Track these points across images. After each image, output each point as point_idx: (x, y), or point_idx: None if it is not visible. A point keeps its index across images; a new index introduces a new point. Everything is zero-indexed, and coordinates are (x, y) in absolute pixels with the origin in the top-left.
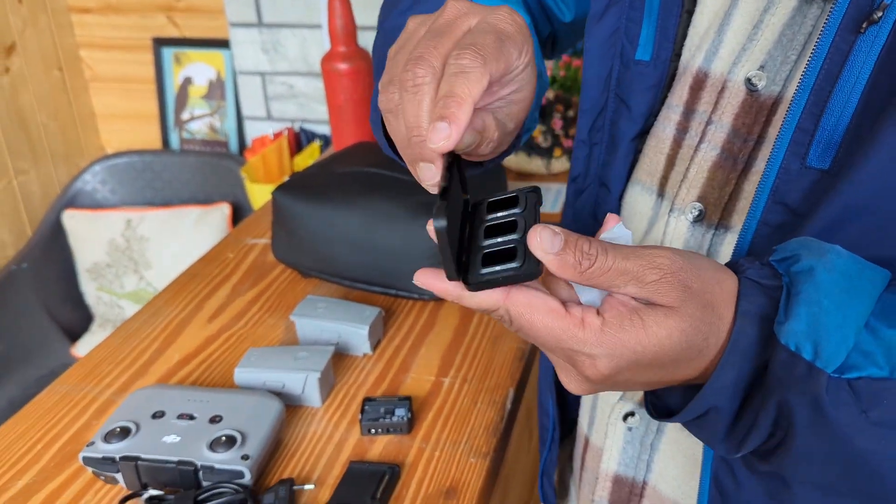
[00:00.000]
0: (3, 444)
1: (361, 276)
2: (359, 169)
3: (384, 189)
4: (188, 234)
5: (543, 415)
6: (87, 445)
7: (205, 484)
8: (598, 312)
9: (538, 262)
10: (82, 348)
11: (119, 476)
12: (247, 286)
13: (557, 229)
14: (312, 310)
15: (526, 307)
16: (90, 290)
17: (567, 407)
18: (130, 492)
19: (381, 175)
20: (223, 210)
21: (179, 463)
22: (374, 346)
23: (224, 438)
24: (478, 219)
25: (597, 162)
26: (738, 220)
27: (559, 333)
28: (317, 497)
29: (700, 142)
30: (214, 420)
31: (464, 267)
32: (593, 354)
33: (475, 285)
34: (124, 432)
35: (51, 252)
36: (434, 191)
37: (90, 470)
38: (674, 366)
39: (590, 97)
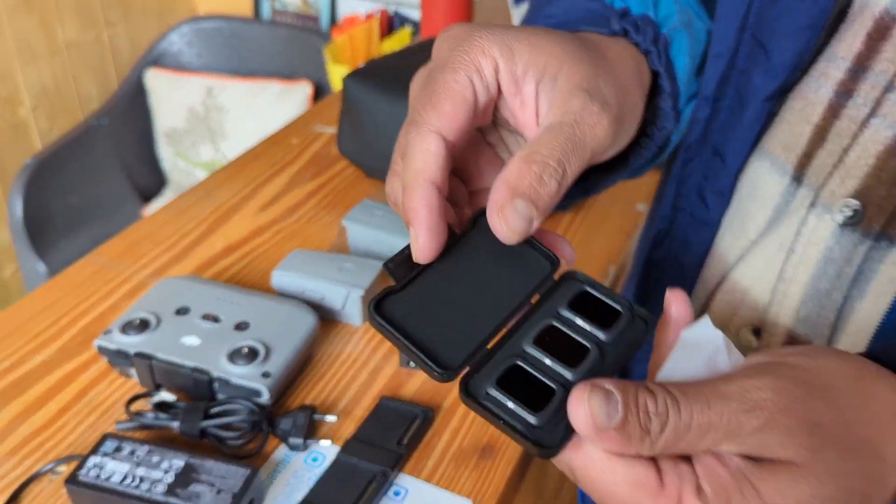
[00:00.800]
0: (29, 314)
1: None
2: None
3: None
4: (267, 109)
5: None
6: (104, 333)
7: (219, 397)
8: (698, 489)
9: (563, 440)
10: (154, 210)
11: (133, 371)
12: (306, 177)
13: (610, 386)
14: (368, 216)
15: (602, 472)
16: (167, 155)
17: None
18: (142, 391)
19: None
20: (305, 89)
21: (195, 370)
22: None
23: (246, 350)
24: (547, 306)
25: (715, 124)
26: None
27: None
28: (338, 430)
29: (871, 115)
30: (240, 327)
31: (479, 358)
32: None
33: (470, 400)
34: (143, 325)
35: (132, 111)
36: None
37: (105, 359)
38: None
39: (723, 38)
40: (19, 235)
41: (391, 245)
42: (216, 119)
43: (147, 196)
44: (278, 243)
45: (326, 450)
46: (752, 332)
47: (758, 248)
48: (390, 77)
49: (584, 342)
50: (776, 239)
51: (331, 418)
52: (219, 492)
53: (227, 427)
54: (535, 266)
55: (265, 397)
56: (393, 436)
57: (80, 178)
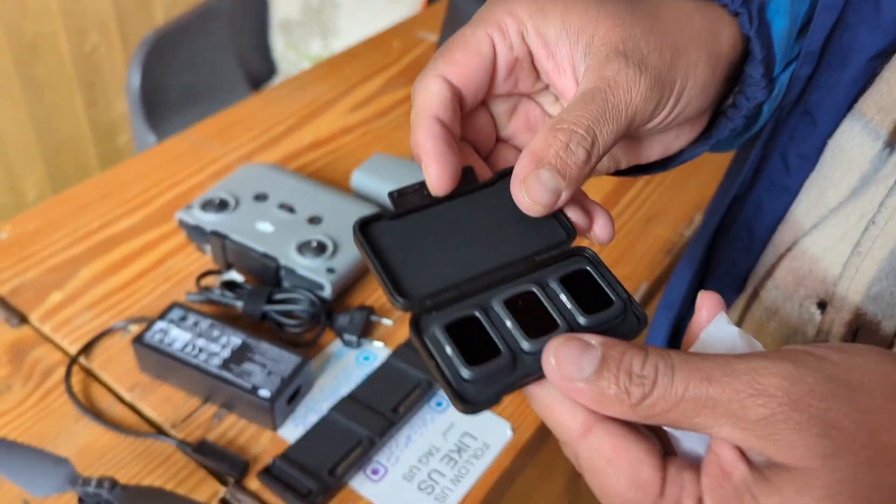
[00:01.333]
0: (124, 180)
1: None
2: None
3: None
4: (380, 7)
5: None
6: (185, 208)
7: (284, 285)
8: (699, 499)
9: (481, 406)
10: None
11: (208, 248)
12: (401, 83)
13: (595, 340)
14: None
15: (606, 464)
16: (278, 46)
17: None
18: (214, 268)
19: None
20: None
21: (264, 256)
22: None
23: (315, 244)
24: (540, 274)
25: (813, 83)
26: None
27: None
28: (392, 335)
29: None
30: (313, 220)
31: (445, 299)
32: None
33: (414, 332)
34: (222, 205)
35: None
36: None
37: (184, 232)
38: None
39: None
40: (135, 106)
41: None
42: (329, 14)
43: (256, 83)
44: (364, 144)
45: (378, 351)
46: (816, 305)
47: (836, 216)
48: None
49: (556, 318)
50: (857, 208)
51: (387, 321)
52: (269, 374)
53: (287, 314)
54: (547, 232)
55: (327, 291)
56: None
57: (195, 58)
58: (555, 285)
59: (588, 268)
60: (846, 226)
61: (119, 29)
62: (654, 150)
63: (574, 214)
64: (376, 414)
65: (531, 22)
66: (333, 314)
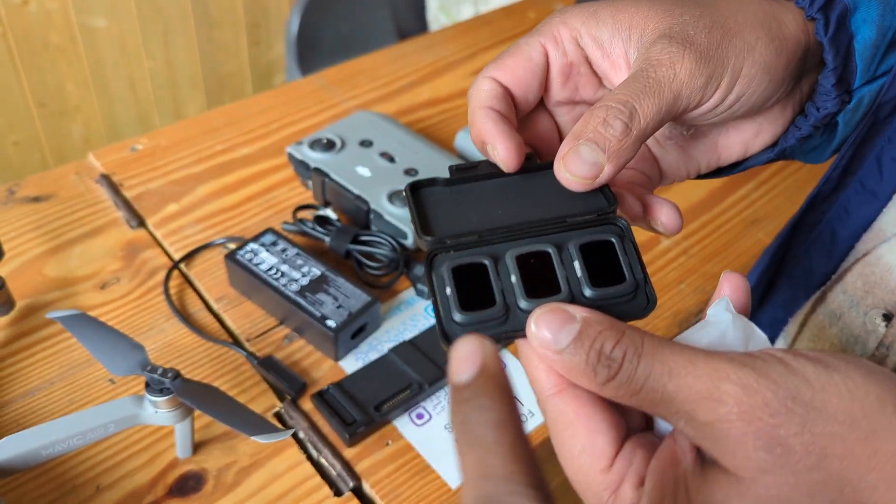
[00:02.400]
0: (250, 112)
1: None
2: None
3: None
4: None
5: None
6: (296, 143)
7: (372, 228)
8: (640, 483)
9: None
10: None
11: (310, 184)
12: None
13: (579, 314)
14: None
15: (565, 425)
16: (432, 6)
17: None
18: (311, 203)
19: None
20: None
21: (357, 198)
22: None
23: (404, 194)
24: (565, 236)
25: None
26: None
27: (584, 483)
28: None
29: None
30: (409, 172)
31: (465, 243)
32: None
33: (427, 265)
34: (329, 145)
35: None
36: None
37: (291, 166)
38: None
39: None
40: (291, 50)
41: None
42: None
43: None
44: None
45: None
46: (882, 317)
47: None
48: None
49: (562, 284)
50: None
51: None
52: (339, 307)
53: (369, 256)
54: (589, 200)
55: (410, 241)
56: None
57: (352, 9)
58: (573, 251)
59: (613, 239)
60: None
61: None
62: (734, 151)
63: (629, 201)
64: (431, 363)
65: (584, 28)
66: (411, 263)
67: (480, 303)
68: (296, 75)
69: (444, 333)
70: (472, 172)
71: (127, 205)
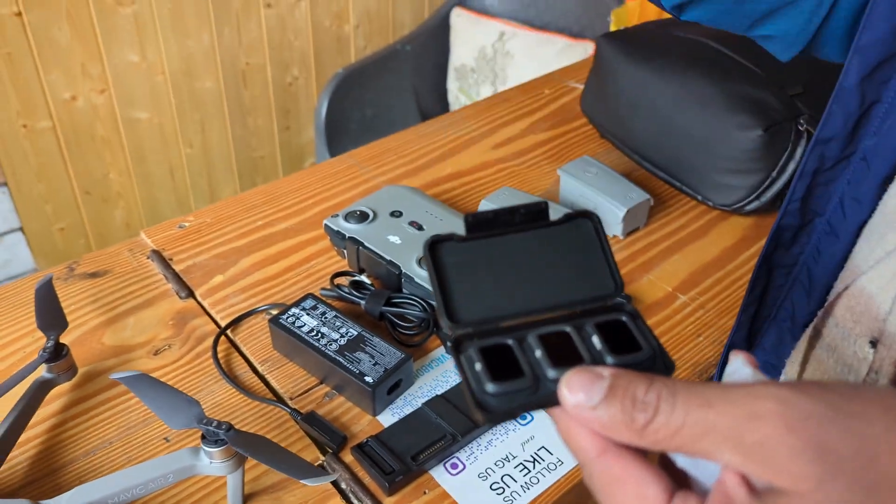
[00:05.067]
0: (287, 189)
1: (651, 155)
2: (699, 39)
3: (714, 69)
4: (548, 61)
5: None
6: (332, 216)
7: (404, 291)
8: None
9: (499, 417)
10: None
11: (345, 252)
12: (545, 126)
13: (606, 371)
14: (582, 171)
15: (614, 483)
16: (453, 88)
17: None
18: (346, 270)
19: (719, 52)
20: (587, 48)
21: (389, 263)
22: (628, 232)
23: (423, 255)
24: (579, 319)
25: (868, 127)
26: None
27: None
28: None
29: None
30: None
31: (486, 330)
32: None
33: (453, 348)
34: (362, 217)
35: (433, 43)
36: None
37: (328, 237)
38: None
39: (872, 28)
40: (320, 134)
41: (595, 203)
42: (501, 63)
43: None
44: (498, 180)
45: None
46: (869, 344)
47: (892, 256)
48: (641, 44)
49: (584, 354)
50: None
51: None
52: (375, 364)
53: (400, 317)
54: (599, 282)
55: None
56: None
57: (377, 94)
58: (589, 329)
59: (625, 319)
60: None
61: (317, 64)
62: None
63: None
64: (463, 415)
65: None
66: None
67: (506, 376)
68: (325, 157)
69: (478, 405)
70: (487, 226)
71: (177, 277)
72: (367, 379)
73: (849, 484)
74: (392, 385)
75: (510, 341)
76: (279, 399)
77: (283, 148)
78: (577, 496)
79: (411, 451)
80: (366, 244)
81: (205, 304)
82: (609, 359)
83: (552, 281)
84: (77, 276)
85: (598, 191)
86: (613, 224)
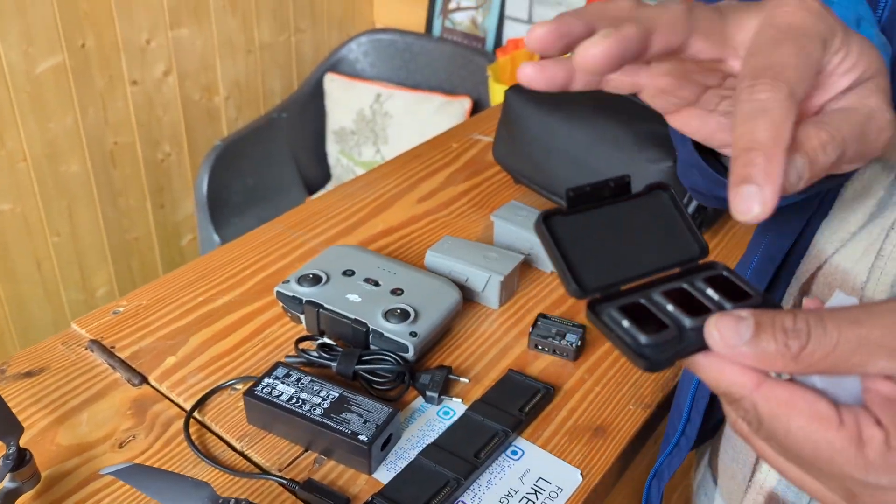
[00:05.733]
0: (220, 262)
1: None
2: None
3: (618, 112)
4: (428, 119)
5: (676, 415)
6: (283, 282)
7: (372, 347)
8: (877, 422)
9: (661, 364)
10: None
11: (302, 317)
12: (461, 178)
13: (744, 312)
14: (513, 215)
15: (784, 406)
16: (333, 152)
17: (713, 410)
18: (308, 334)
19: (622, 97)
20: (464, 103)
21: (354, 321)
22: None
23: (399, 311)
24: (685, 278)
25: None
26: None
27: (830, 453)
28: (469, 391)
29: None
30: (396, 292)
31: (611, 293)
32: (883, 486)
33: (592, 313)
34: (315, 280)
35: (309, 109)
36: (744, 217)
37: (281, 305)
38: None
39: None
40: (202, 208)
41: (531, 243)
42: (381, 123)
43: (312, 187)
44: (431, 231)
45: (457, 406)
46: None
47: (860, 234)
48: (548, 93)
49: (709, 304)
50: (878, 225)
51: (464, 380)
52: (365, 422)
53: (374, 374)
54: (686, 246)
55: (411, 353)
56: (516, 403)
57: (257, 164)
58: (700, 284)
59: (724, 273)
60: (869, 239)
61: (188, 139)
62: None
63: None
64: (460, 459)
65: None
66: (416, 373)
67: (652, 329)
68: (209, 231)
69: (642, 356)
70: (584, 200)
71: (125, 365)
72: (362, 437)
73: None
74: (385, 441)
75: (642, 300)
76: (266, 473)
77: (159, 227)
78: None
79: (420, 501)
80: (326, 306)
81: (162, 388)
82: (728, 305)
83: (649, 246)
84: (10, 378)
85: (532, 232)
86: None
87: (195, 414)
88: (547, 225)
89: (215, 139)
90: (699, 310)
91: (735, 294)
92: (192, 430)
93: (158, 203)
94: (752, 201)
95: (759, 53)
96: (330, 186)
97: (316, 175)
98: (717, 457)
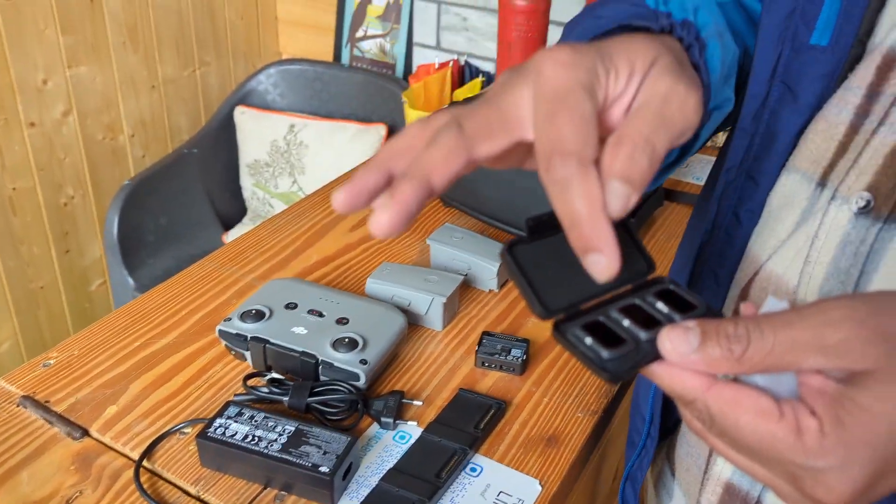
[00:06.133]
0: (153, 305)
1: (501, 215)
2: None
3: None
4: (344, 147)
5: (637, 418)
6: (225, 320)
7: (322, 378)
8: (811, 412)
9: (622, 375)
10: (232, 237)
11: (248, 354)
12: None
13: (691, 323)
14: (448, 237)
15: (732, 404)
16: (247, 185)
17: (671, 409)
18: (255, 371)
19: None
20: (379, 131)
21: (303, 354)
22: (502, 285)
23: (347, 340)
24: (636, 294)
25: (750, 153)
26: None
27: (773, 442)
28: (423, 414)
29: (880, 125)
30: (341, 321)
31: (573, 313)
32: (820, 468)
33: (558, 333)
34: (259, 315)
35: (219, 143)
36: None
37: (223, 343)
38: None
39: (757, 82)
40: (113, 251)
41: (468, 264)
42: (296, 154)
43: (227, 223)
44: (367, 258)
45: (412, 430)
46: None
47: (789, 242)
48: None
49: (660, 318)
50: (803, 233)
51: (417, 403)
52: (325, 453)
53: (327, 404)
54: (635, 265)
55: (362, 381)
56: (470, 421)
57: (169, 202)
58: (651, 299)
59: (671, 287)
60: (797, 247)
61: (93, 180)
62: None
63: None
64: (422, 481)
65: (602, 63)
66: (369, 401)
67: (611, 344)
68: (122, 273)
69: (605, 370)
70: (542, 229)
71: (62, 419)
72: (323, 469)
73: None
74: (346, 470)
75: (601, 318)
76: None
77: (65, 274)
78: None
79: None
80: (272, 341)
81: (105, 439)
82: (677, 317)
83: None
84: None
85: (469, 252)
86: (488, 280)
87: (144, 462)
88: (511, 253)
89: (122, 179)
90: (652, 323)
91: (682, 306)
92: (143, 479)
93: (63, 248)
94: (601, 265)
95: (540, 133)
96: (246, 220)
97: (231, 210)
98: (675, 451)
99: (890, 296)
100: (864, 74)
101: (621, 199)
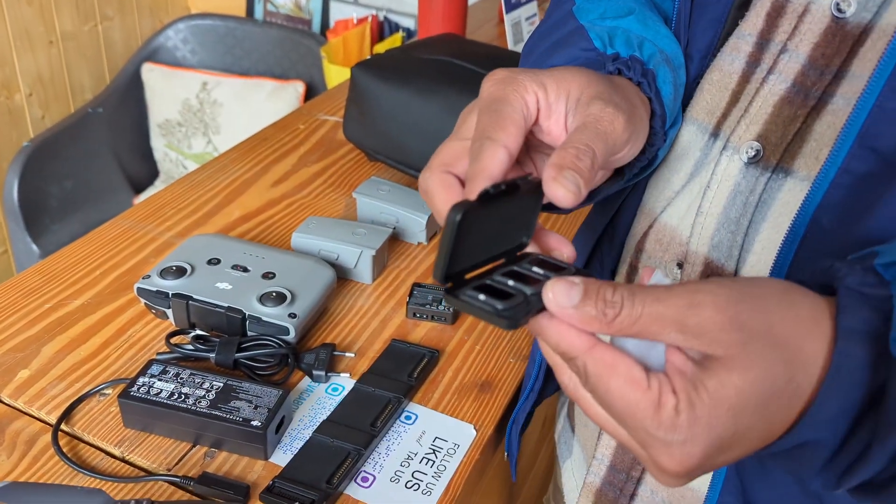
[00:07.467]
0: (65, 265)
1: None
2: (443, 58)
3: (465, 82)
4: (260, 105)
5: (531, 366)
6: (143, 278)
7: (250, 333)
8: (673, 390)
9: (518, 321)
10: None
11: (169, 312)
12: (313, 159)
13: (577, 279)
14: (375, 190)
15: (607, 368)
16: (159, 146)
17: None
18: (178, 329)
19: (465, 68)
20: (297, 88)
21: (228, 309)
22: (430, 238)
23: (274, 294)
24: (518, 262)
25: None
26: (803, 164)
27: (634, 410)
28: (356, 365)
29: (769, 73)
30: (267, 276)
31: (461, 280)
32: (668, 441)
33: (451, 296)
34: (180, 272)
35: (127, 102)
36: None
37: (143, 302)
38: (764, 424)
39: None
40: (14, 217)
41: (396, 217)
42: (210, 112)
43: (138, 186)
44: (291, 213)
45: (345, 381)
46: (676, 266)
47: (683, 193)
48: (394, 68)
49: (539, 278)
50: (697, 183)
51: (349, 354)
52: (256, 407)
53: (255, 360)
54: (516, 237)
55: (292, 334)
56: (403, 371)
57: (74, 165)
58: (527, 265)
59: (541, 256)
60: (690, 198)
61: None
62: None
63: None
64: (357, 430)
65: (540, 94)
66: (299, 354)
67: (500, 299)
68: (25, 240)
69: (504, 317)
70: (490, 199)
71: None
72: (255, 423)
73: (761, 344)
74: (278, 424)
75: (488, 281)
76: (154, 474)
77: None
78: (479, 472)
79: (323, 477)
80: (195, 297)
81: (18, 404)
82: (553, 276)
83: (497, 237)
84: None
85: (396, 205)
86: (417, 232)
87: (63, 426)
88: (462, 218)
89: (20, 141)
90: (533, 282)
91: (556, 269)
92: (62, 442)
93: None
94: (568, 186)
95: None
96: (158, 183)
97: (142, 172)
98: (574, 408)
99: (757, 284)
100: (754, 21)
101: (573, 183)
